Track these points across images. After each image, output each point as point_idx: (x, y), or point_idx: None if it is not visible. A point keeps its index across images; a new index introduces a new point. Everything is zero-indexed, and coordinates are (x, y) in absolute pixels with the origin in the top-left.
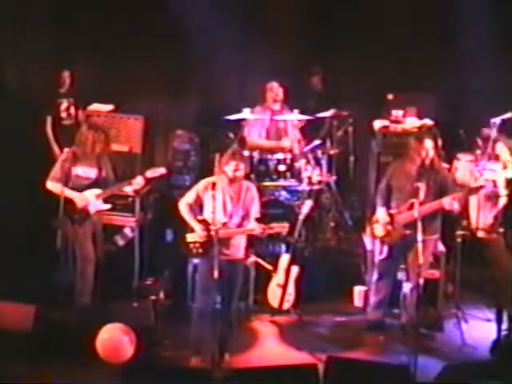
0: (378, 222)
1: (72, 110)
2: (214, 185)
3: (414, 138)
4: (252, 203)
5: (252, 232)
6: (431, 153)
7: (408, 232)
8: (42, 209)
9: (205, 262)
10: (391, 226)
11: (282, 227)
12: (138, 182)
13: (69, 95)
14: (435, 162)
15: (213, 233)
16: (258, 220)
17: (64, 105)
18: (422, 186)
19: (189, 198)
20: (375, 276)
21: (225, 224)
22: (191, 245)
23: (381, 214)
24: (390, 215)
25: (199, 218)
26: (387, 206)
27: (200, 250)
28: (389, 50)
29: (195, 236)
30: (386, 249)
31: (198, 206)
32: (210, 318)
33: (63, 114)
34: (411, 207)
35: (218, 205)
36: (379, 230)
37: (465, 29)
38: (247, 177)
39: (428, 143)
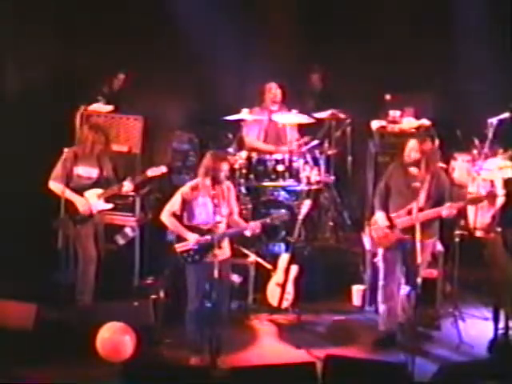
0: (377, 225)
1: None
2: (197, 187)
3: (404, 139)
4: (234, 201)
5: (254, 229)
6: (416, 155)
7: (407, 236)
8: (43, 209)
9: (199, 265)
10: (390, 230)
11: (282, 216)
12: (127, 186)
13: (106, 96)
14: (430, 164)
15: (209, 236)
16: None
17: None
18: (420, 188)
19: (173, 206)
20: (381, 282)
21: (218, 224)
22: (185, 254)
23: (380, 216)
24: (389, 219)
25: (188, 224)
26: (386, 207)
27: (197, 257)
28: (387, 50)
29: (188, 244)
30: (386, 252)
31: (185, 212)
32: (205, 319)
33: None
34: (410, 212)
35: (208, 207)
36: (378, 233)
37: (462, 29)
38: (246, 177)
39: (412, 143)
